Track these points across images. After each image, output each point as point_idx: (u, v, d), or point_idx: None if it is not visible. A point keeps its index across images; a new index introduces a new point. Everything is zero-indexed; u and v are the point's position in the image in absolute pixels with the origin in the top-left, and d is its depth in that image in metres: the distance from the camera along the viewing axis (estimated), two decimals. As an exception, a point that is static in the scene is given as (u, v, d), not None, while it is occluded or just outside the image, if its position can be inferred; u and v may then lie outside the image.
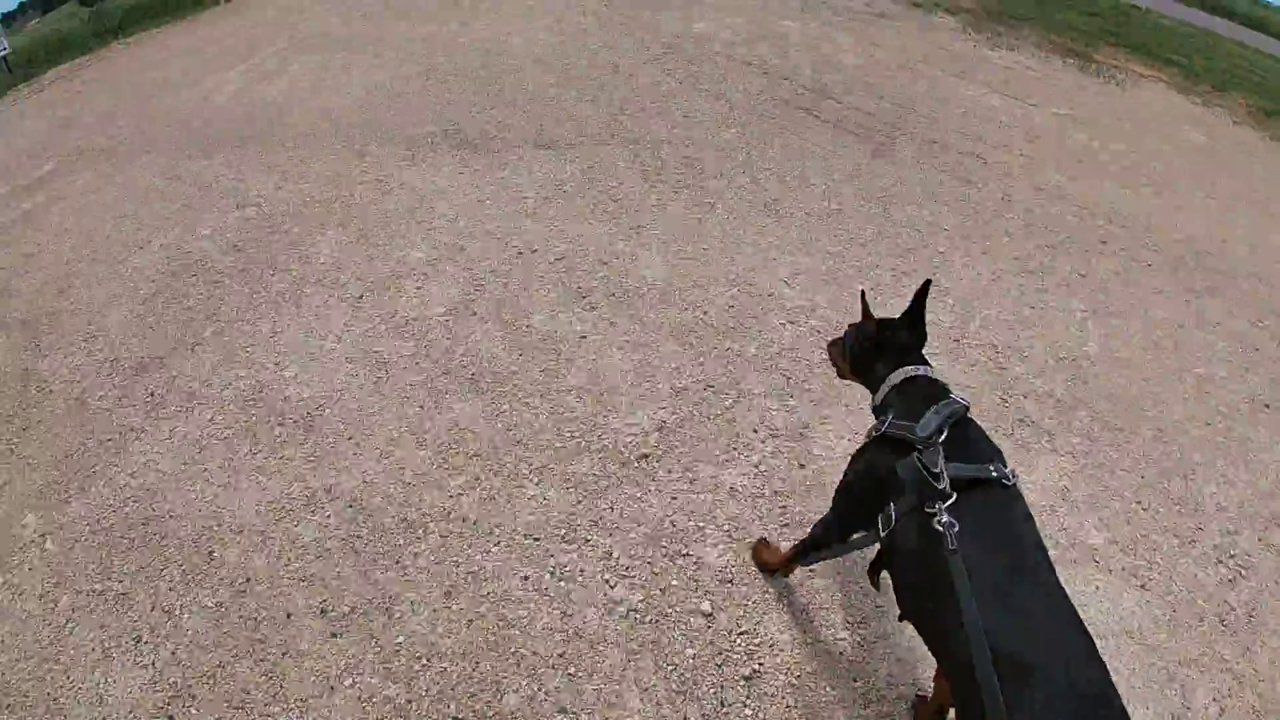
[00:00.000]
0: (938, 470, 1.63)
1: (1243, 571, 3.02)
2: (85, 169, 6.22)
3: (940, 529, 1.54)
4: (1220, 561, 3.05)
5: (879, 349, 2.04)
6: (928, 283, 1.99)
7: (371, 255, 4.48)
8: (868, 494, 1.91)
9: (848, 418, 3.37)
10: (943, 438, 1.70)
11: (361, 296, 4.14)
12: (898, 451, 1.79)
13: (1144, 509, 3.22)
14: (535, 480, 3.11)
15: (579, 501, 3.02)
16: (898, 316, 2.06)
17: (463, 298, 4.07)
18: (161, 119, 6.89)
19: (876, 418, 1.94)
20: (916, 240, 4.75)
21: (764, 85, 6.70)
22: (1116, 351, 4.12)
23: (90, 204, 5.65)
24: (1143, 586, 2.89)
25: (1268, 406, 4.01)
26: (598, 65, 6.96)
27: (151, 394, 3.73)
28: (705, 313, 3.97)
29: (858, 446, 2.07)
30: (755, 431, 3.31)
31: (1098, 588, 2.86)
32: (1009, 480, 1.65)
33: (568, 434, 3.30)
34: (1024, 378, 3.78)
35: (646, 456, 3.18)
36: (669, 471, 3.10)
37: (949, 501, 1.58)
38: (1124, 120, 7.52)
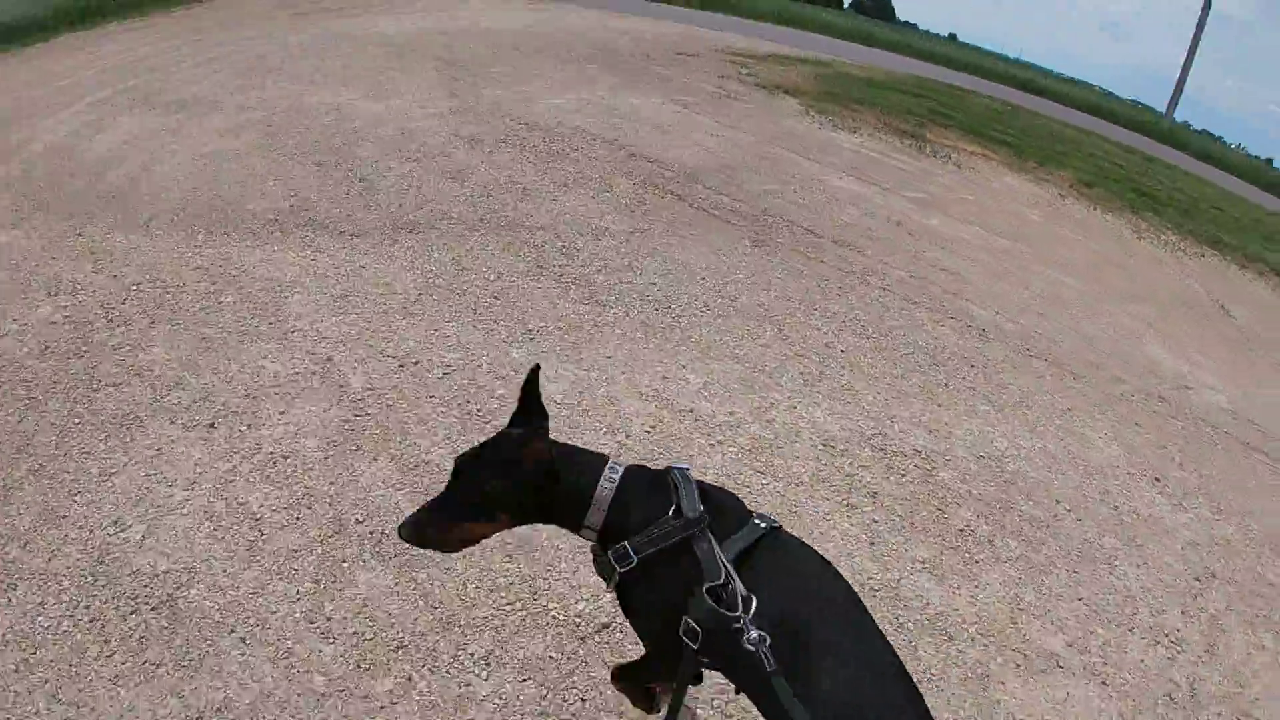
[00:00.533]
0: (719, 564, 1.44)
1: (1178, 648, 3.20)
2: None
3: (751, 648, 1.34)
4: (1158, 642, 3.20)
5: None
6: (535, 369, 1.68)
7: (217, 367, 3.80)
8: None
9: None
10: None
11: (213, 424, 3.47)
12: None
13: (1085, 603, 3.24)
14: (483, 673, 2.60)
15: (543, 697, 2.54)
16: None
17: (341, 426, 3.49)
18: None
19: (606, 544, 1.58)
20: (817, 340, 4.75)
21: (631, 168, 6.66)
22: (1022, 442, 4.24)
23: None
24: (1103, 683, 2.93)
25: (1158, 479, 4.23)
26: (458, 138, 6.68)
27: (-50, 565, 2.95)
28: (626, 437, 3.68)
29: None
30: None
31: (1068, 694, 2.85)
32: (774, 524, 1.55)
33: (506, 605, 2.81)
34: (952, 483, 3.77)
35: (607, 626, 2.78)
36: (637, 643, 2.75)
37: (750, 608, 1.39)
38: (972, 203, 8.10)
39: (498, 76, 8.72)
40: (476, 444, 1.65)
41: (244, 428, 3.49)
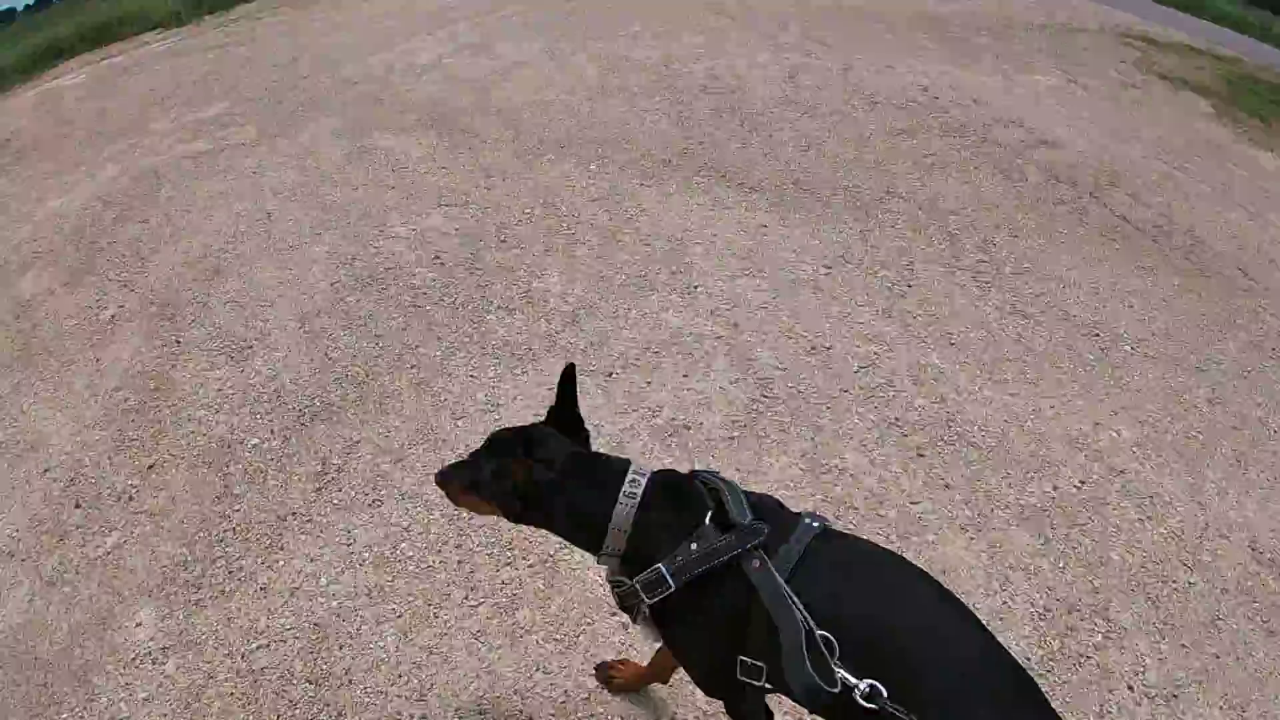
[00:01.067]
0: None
1: None
2: (254, 124, 5.37)
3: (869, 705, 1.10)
4: None
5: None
6: (571, 368, 1.50)
7: (615, 311, 3.47)
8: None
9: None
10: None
11: (611, 374, 3.13)
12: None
13: None
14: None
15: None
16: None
17: (748, 406, 3.06)
18: (343, 84, 6.01)
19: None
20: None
21: (1036, 156, 5.48)
22: None
23: (259, 167, 4.78)
24: None
25: None
26: (858, 96, 5.87)
27: (323, 463, 2.77)
28: (1054, 488, 2.86)
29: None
30: None
31: None
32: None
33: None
34: None
35: None
36: None
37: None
38: None
39: (875, 38, 7.77)
40: (514, 426, 1.53)
41: (644, 384, 3.08)
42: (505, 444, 1.45)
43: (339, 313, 3.52)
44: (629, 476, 1.35)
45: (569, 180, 4.60)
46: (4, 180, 5.36)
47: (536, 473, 1.35)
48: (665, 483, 1.37)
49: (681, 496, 1.34)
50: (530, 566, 2.42)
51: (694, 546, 1.24)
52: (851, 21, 8.27)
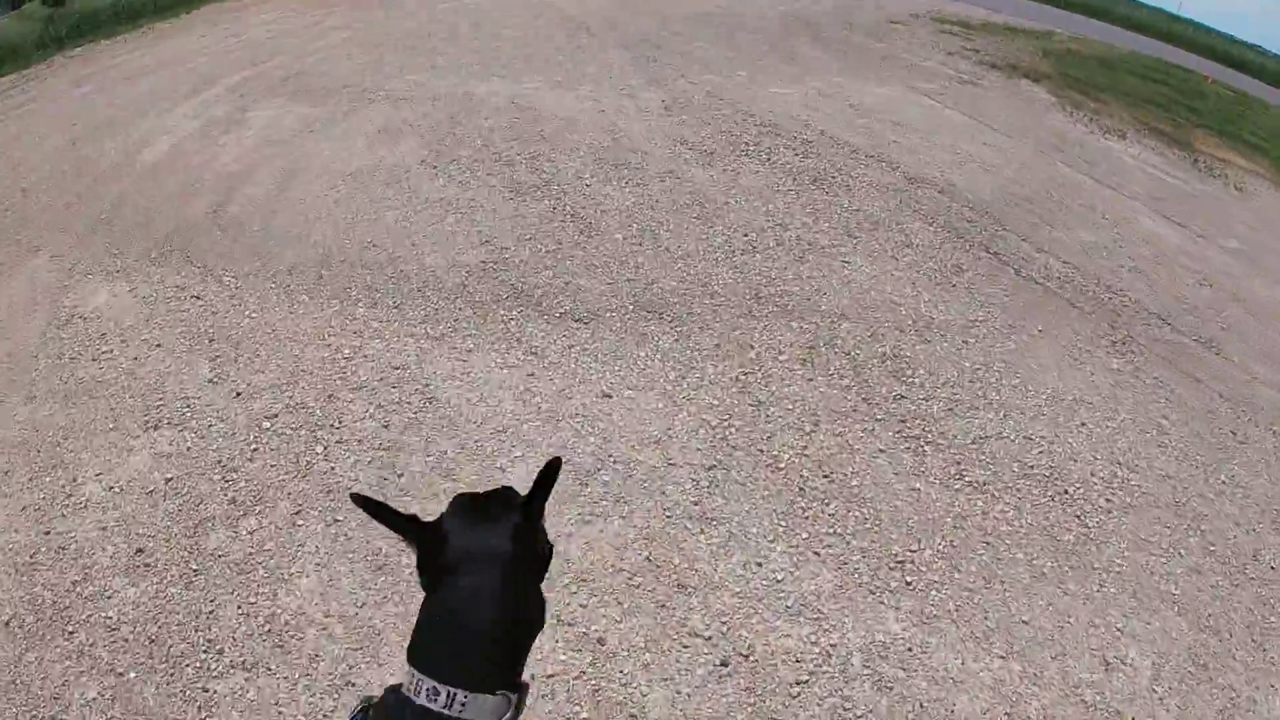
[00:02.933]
0: None
1: None
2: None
3: None
4: None
5: None
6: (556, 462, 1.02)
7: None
8: None
9: None
10: None
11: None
12: None
13: None
14: None
15: None
16: None
17: None
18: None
19: None
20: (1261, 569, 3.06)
21: (918, 201, 4.89)
22: None
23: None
24: None
25: None
26: (683, 147, 5.04)
27: None
28: None
29: None
30: None
31: None
32: None
33: None
34: None
35: None
36: None
37: None
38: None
39: (699, 57, 6.97)
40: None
41: None
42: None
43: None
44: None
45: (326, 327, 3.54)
46: None
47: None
48: None
49: None
50: None
51: None
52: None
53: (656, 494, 2.83)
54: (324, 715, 2.42)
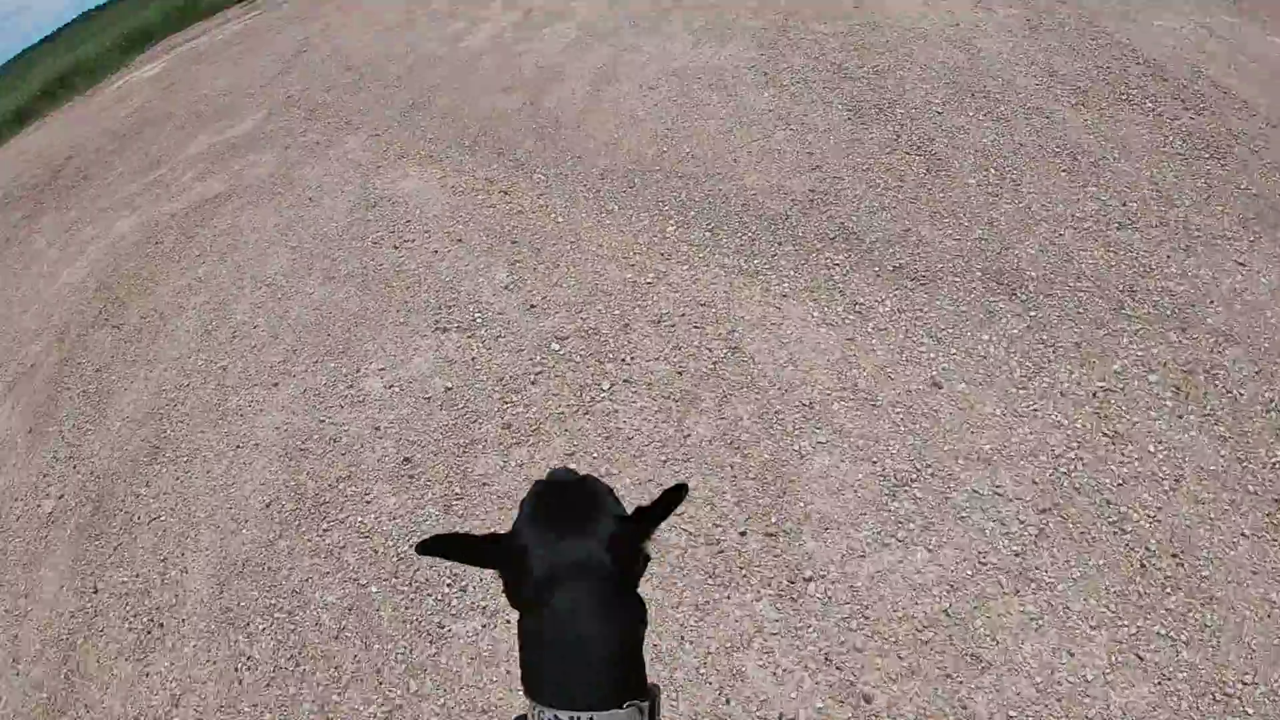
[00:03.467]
0: None
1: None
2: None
3: None
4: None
5: None
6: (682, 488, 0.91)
7: None
8: None
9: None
10: None
11: None
12: None
13: None
14: None
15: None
16: None
17: None
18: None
19: None
20: None
21: None
22: None
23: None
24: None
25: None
26: (1051, 78, 3.96)
27: None
28: None
29: None
30: None
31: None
32: None
33: None
34: None
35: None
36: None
37: None
38: None
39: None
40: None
41: None
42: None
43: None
44: None
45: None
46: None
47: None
48: None
49: None
50: None
51: None
52: None
53: (974, 530, 2.07)
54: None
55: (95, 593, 2.54)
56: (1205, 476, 2.17)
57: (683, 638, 1.99)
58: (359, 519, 2.45)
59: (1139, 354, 2.47)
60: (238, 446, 2.79)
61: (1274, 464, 2.16)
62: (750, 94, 3.84)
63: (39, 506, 2.89)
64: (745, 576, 2.09)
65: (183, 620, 2.38)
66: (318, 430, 2.72)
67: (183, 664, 2.29)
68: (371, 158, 4.07)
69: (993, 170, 3.21)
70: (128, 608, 2.47)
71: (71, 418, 3.11)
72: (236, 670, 2.24)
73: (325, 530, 2.45)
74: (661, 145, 3.55)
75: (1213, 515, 2.08)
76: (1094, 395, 2.36)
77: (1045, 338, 2.54)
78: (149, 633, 2.39)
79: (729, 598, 2.04)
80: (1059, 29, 4.20)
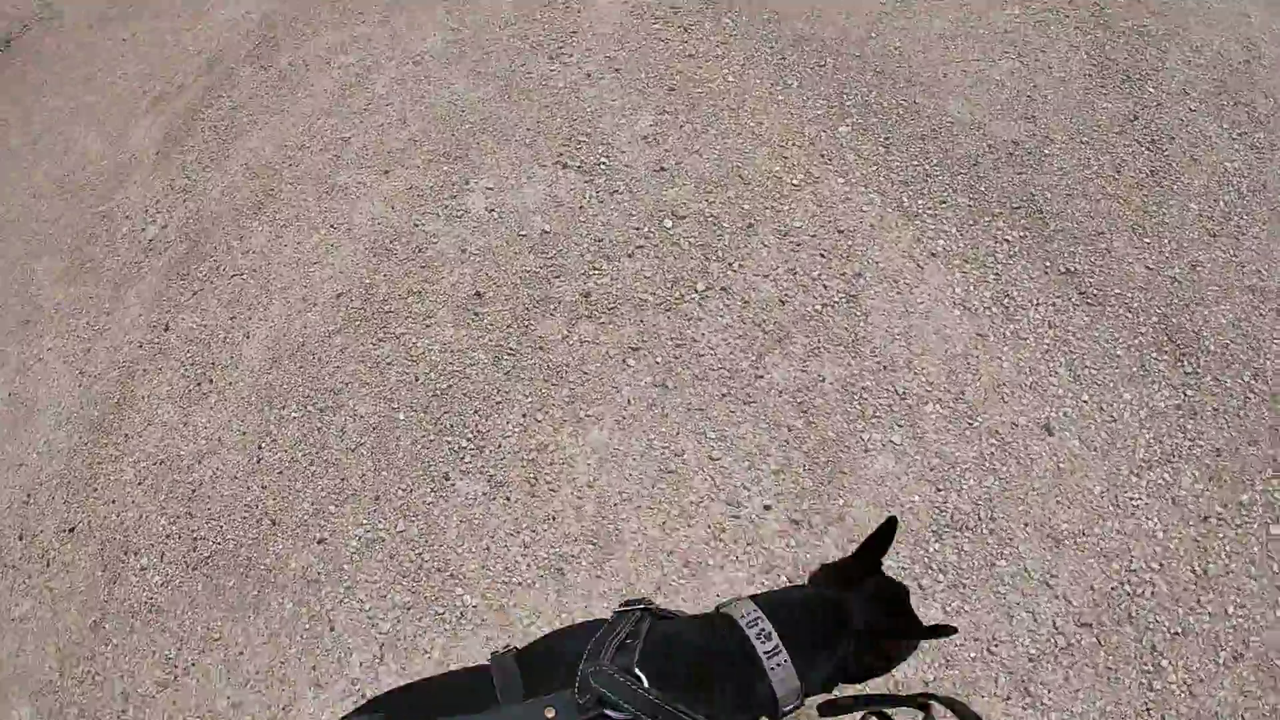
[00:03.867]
0: None
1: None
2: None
3: None
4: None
5: None
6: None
7: None
8: None
9: None
10: None
11: None
12: None
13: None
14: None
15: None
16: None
17: None
18: None
19: None
20: None
21: None
22: None
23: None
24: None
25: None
26: None
27: None
28: None
29: None
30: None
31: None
32: None
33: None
34: None
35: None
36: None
37: None
38: None
39: None
40: None
41: None
42: None
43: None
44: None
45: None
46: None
47: None
48: None
49: None
50: None
51: None
52: None
53: (1002, 611, 1.79)
54: (525, 585, 1.87)
55: (166, 330, 2.61)
56: (1263, 666, 1.72)
57: (661, 587, 1.81)
58: (414, 340, 2.35)
59: (1276, 495, 1.95)
60: (332, 226, 2.71)
61: None
62: (991, 4, 3.15)
63: (144, 231, 2.97)
64: (748, 555, 1.84)
65: (229, 383, 2.41)
66: (409, 233, 2.60)
67: (217, 425, 2.34)
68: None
69: (1222, 203, 2.52)
70: (188, 355, 2.52)
71: (196, 150, 3.13)
72: (259, 448, 2.25)
73: (380, 340, 2.37)
74: (871, 29, 2.99)
75: (1250, 711, 1.67)
76: (1206, 519, 1.87)
77: (1190, 427, 2.03)
78: (198, 385, 2.44)
79: (722, 568, 1.82)
80: None
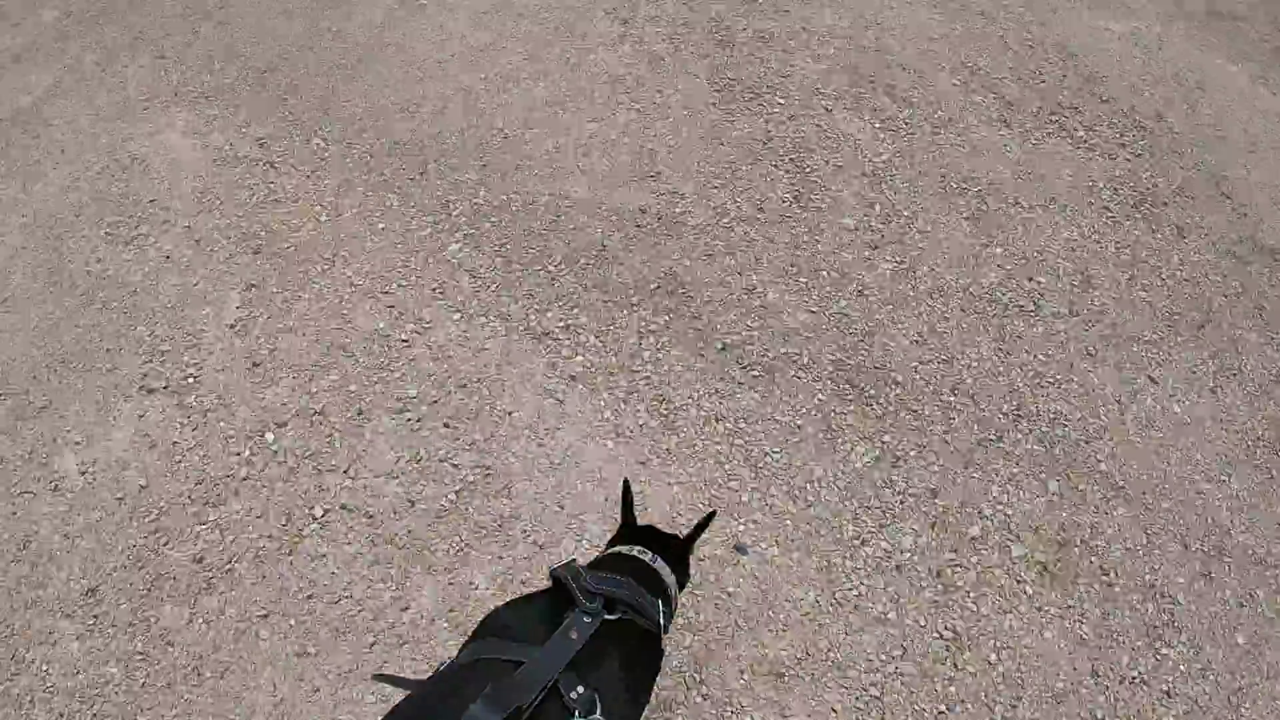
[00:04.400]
0: None
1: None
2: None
3: None
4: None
5: None
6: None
7: None
8: None
9: None
10: None
11: None
12: None
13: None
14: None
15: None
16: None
17: None
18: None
19: None
20: None
21: None
22: None
23: None
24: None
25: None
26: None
27: None
28: None
29: None
30: None
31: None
32: None
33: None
34: None
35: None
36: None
37: None
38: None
39: None
40: None
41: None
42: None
43: None
44: None
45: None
46: None
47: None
48: None
49: None
50: None
51: None
52: None
53: None
54: None
55: None
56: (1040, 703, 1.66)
57: None
58: (43, 665, 1.96)
59: (1007, 510, 1.89)
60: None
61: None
62: (600, 48, 2.92)
63: None
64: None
65: None
66: (7, 527, 2.17)
67: None
68: (143, 92, 3.18)
69: (878, 207, 2.43)
70: None
71: None
72: None
73: (14, 675, 1.96)
74: (474, 111, 2.70)
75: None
76: (939, 574, 1.78)
77: (896, 479, 1.93)
78: None
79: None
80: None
